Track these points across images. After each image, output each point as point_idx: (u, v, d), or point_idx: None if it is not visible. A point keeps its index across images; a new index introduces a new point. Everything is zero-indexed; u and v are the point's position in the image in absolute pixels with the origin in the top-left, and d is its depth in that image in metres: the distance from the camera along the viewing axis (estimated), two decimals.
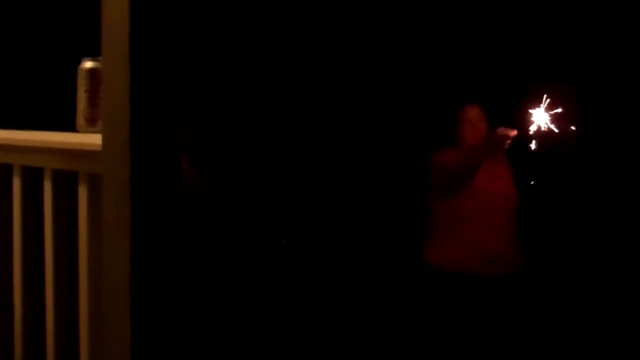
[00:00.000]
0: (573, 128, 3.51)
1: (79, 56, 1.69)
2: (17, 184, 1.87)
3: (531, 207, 3.92)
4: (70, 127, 1.71)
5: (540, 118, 3.49)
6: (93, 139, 1.55)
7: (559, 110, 3.49)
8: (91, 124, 1.65)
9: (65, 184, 1.71)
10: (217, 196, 3.79)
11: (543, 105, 3.49)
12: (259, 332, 4.07)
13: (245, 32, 4.82)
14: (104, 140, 1.51)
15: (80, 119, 1.68)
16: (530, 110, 3.51)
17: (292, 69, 4.97)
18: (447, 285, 3.77)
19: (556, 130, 3.49)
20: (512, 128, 3.46)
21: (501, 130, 3.46)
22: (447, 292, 3.77)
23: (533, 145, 3.49)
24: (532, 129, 3.50)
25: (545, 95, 3.50)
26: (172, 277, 1.36)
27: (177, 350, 1.40)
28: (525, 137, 3.51)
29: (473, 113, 3.90)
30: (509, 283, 3.77)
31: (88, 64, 1.67)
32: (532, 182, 3.92)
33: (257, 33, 4.83)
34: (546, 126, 3.48)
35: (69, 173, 1.69)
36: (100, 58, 1.56)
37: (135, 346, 1.26)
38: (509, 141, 3.46)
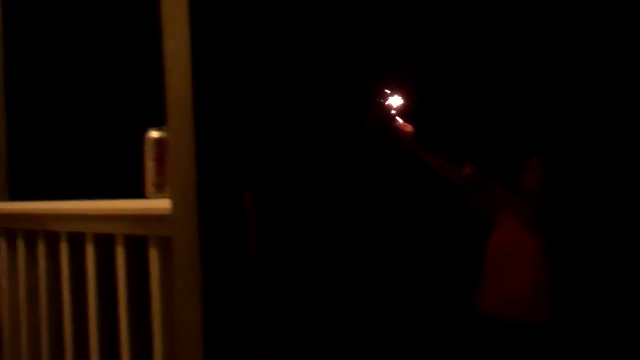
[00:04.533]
0: None
1: (143, 127, 1.80)
2: (90, 251, 1.97)
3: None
4: (139, 194, 1.80)
5: None
6: (161, 204, 1.63)
7: None
8: (159, 189, 1.74)
9: (136, 247, 1.79)
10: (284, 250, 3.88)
11: None
12: None
13: (309, 97, 4.95)
14: (172, 204, 1.59)
15: (149, 185, 1.77)
16: None
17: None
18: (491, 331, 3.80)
19: None
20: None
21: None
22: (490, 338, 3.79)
23: None
24: None
25: None
26: (243, 335, 1.41)
27: None
28: None
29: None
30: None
31: (154, 134, 1.77)
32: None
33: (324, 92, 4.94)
34: None
35: (138, 237, 1.77)
36: (165, 127, 1.66)
37: None
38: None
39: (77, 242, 2.03)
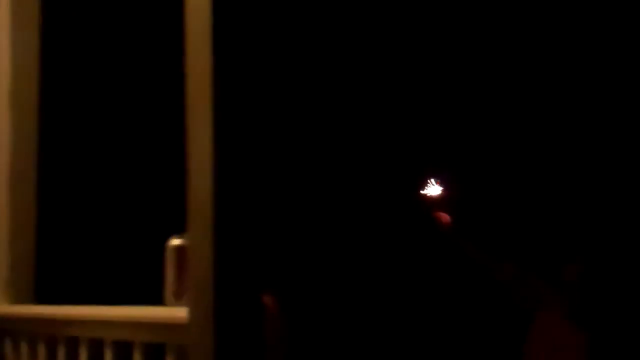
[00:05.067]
0: None
1: (164, 235, 1.83)
2: (108, 358, 1.96)
3: None
4: (157, 300, 1.81)
5: None
6: (180, 312, 1.63)
7: None
8: (178, 297, 1.75)
9: (154, 354, 1.78)
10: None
11: None
12: None
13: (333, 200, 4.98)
14: (189, 313, 1.59)
15: (168, 293, 1.78)
16: None
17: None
18: None
19: None
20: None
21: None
22: None
23: None
24: None
25: None
26: None
27: None
28: None
29: None
30: None
31: (175, 242, 1.79)
32: None
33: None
34: None
35: (157, 344, 1.76)
36: (185, 235, 1.68)
37: None
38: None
39: (96, 347, 2.03)
